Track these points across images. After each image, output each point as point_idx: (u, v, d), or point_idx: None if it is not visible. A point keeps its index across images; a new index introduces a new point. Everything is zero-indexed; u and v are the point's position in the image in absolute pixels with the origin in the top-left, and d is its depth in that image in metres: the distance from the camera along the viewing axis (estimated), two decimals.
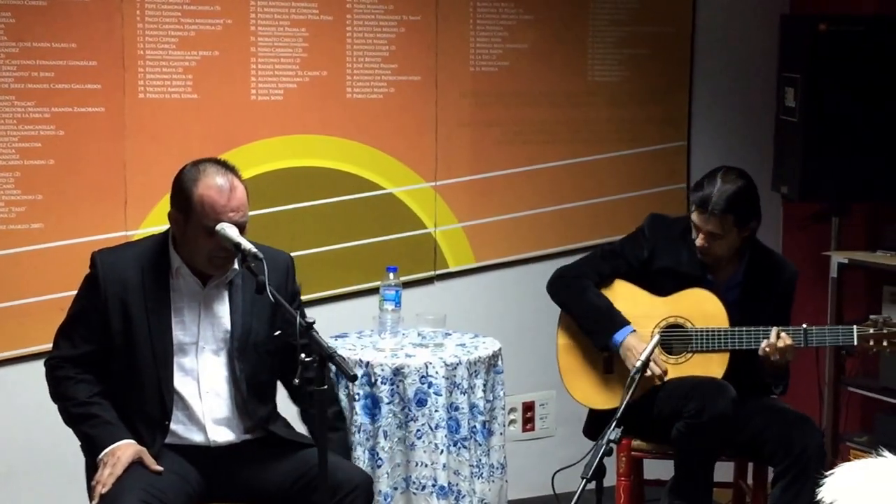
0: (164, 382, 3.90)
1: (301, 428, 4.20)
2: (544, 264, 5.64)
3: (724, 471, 4.91)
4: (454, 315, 5.29)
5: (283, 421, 4.08)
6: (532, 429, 5.99)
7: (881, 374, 5.50)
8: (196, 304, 3.95)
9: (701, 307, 4.67)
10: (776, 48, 5.89)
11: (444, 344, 4.95)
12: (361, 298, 5.51)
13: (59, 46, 4.92)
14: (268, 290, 3.61)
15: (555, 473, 4.11)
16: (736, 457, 4.81)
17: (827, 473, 2.31)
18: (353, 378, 3.74)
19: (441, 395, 4.68)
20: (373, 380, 4.68)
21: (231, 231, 3.76)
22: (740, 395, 4.52)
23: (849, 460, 2.38)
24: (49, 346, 4.03)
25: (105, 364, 3.92)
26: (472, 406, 4.79)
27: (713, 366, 4.62)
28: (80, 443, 3.95)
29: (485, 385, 4.83)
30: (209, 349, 3.96)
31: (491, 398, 4.88)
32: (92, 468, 3.85)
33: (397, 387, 4.69)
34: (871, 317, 4.61)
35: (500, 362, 4.94)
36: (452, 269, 5.74)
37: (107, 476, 3.75)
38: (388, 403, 4.67)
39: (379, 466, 4.65)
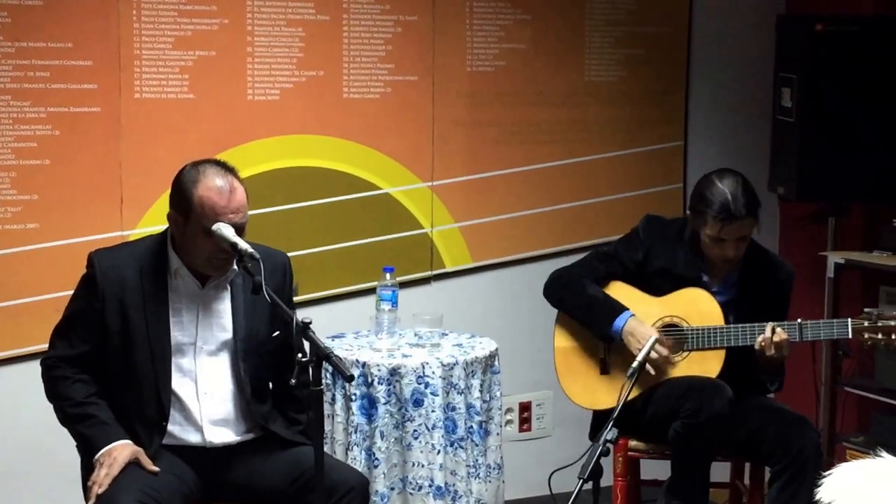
0: (161, 383, 3.89)
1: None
2: (541, 264, 5.65)
3: (720, 471, 4.91)
4: (451, 315, 5.29)
5: (282, 420, 4.07)
6: (529, 429, 5.99)
7: (878, 374, 5.50)
8: (194, 304, 3.94)
9: (696, 306, 4.67)
10: (773, 48, 5.89)
11: (441, 344, 4.95)
12: (358, 299, 5.51)
13: (55, 46, 4.91)
14: (264, 291, 3.60)
15: (552, 474, 4.12)
16: (733, 457, 4.81)
17: (825, 474, 2.31)
18: (350, 378, 3.74)
19: (438, 396, 4.68)
20: (369, 380, 4.68)
21: (227, 231, 3.75)
22: (737, 394, 4.52)
23: (845, 460, 2.37)
24: (45, 346, 4.02)
25: (102, 364, 3.91)
26: (469, 406, 4.79)
27: (709, 364, 4.62)
28: (75, 443, 3.94)
29: (481, 385, 4.83)
30: (207, 350, 3.95)
31: (488, 398, 4.88)
32: (88, 468, 3.84)
33: (394, 387, 4.69)
34: (866, 310, 4.61)
35: (496, 362, 4.94)
36: (449, 269, 5.73)
37: (103, 476, 3.74)
38: (385, 404, 4.67)
39: (375, 467, 4.65)
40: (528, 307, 5.66)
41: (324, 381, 4.16)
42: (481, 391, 4.83)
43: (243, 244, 3.73)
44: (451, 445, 4.73)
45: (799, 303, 4.97)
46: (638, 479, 4.95)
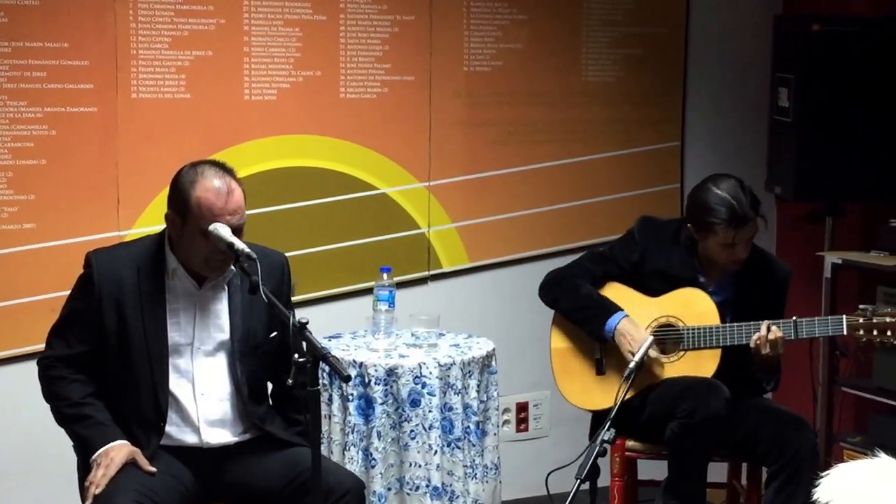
0: (158, 384, 3.89)
1: None
2: (538, 264, 5.64)
3: (718, 471, 4.91)
4: (448, 315, 5.29)
5: (280, 420, 4.07)
6: (526, 429, 5.99)
7: (875, 374, 5.50)
8: (192, 305, 3.94)
9: (692, 306, 4.67)
10: (770, 49, 5.89)
11: (438, 344, 4.95)
12: (355, 299, 5.50)
13: (51, 46, 4.91)
14: (261, 291, 3.60)
15: (549, 474, 4.11)
16: (730, 457, 4.81)
17: (822, 474, 2.30)
18: (347, 379, 3.74)
19: (435, 396, 4.68)
20: (366, 380, 4.68)
21: (224, 231, 3.75)
22: (733, 394, 4.51)
23: (843, 461, 2.37)
24: (42, 346, 4.02)
25: (98, 364, 3.91)
26: (466, 406, 4.78)
27: (705, 363, 4.61)
28: (72, 443, 3.94)
29: (479, 385, 4.83)
30: (204, 350, 3.95)
31: (485, 398, 4.88)
32: (85, 469, 3.84)
33: (391, 387, 4.68)
34: (861, 307, 4.61)
35: (493, 363, 4.94)
36: (446, 269, 5.73)
37: (100, 477, 3.74)
38: (382, 404, 4.67)
39: (373, 467, 4.65)
40: (525, 307, 5.65)
41: (321, 381, 4.17)
42: (478, 391, 4.83)
43: (240, 244, 3.72)
44: (448, 446, 4.73)
45: (796, 303, 4.97)
46: (635, 479, 4.95)
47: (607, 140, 5.97)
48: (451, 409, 4.74)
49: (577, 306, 4.77)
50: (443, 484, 4.70)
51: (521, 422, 5.98)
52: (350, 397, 4.69)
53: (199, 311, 3.94)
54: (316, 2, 5.33)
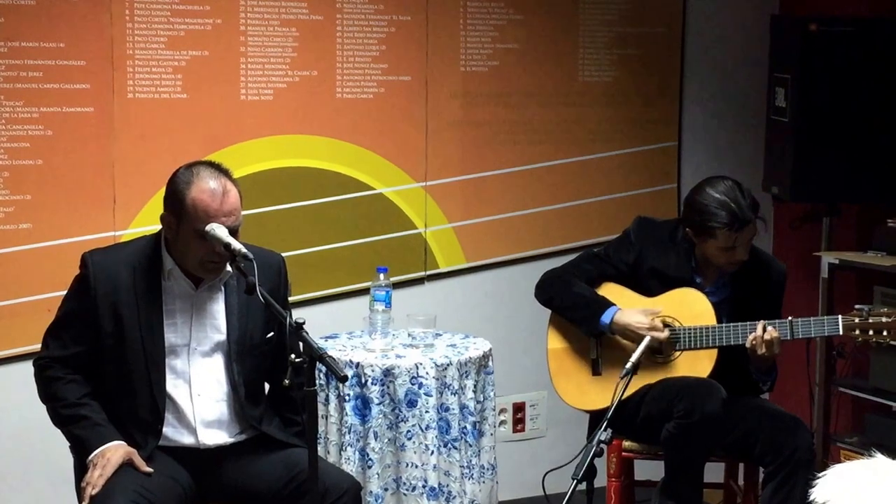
0: (155, 385, 3.88)
1: None
2: (535, 265, 5.64)
3: (714, 471, 4.91)
4: (444, 315, 5.29)
5: (277, 421, 4.06)
6: (522, 430, 5.99)
7: (871, 375, 5.49)
8: (188, 306, 3.93)
9: (689, 306, 4.66)
10: (767, 48, 5.89)
11: (435, 344, 4.94)
12: (352, 299, 5.50)
13: (47, 46, 4.90)
14: (258, 291, 3.60)
15: (545, 474, 4.11)
16: (726, 457, 4.80)
17: (820, 474, 2.30)
18: (344, 379, 3.73)
19: (431, 396, 4.68)
20: (363, 380, 4.68)
21: (220, 231, 3.74)
22: (730, 395, 4.51)
23: (839, 461, 2.37)
24: (38, 346, 4.01)
25: (95, 365, 3.90)
26: (463, 407, 4.78)
27: (701, 364, 4.61)
28: (69, 444, 3.93)
29: (475, 386, 4.83)
30: (201, 351, 3.94)
31: (481, 399, 4.88)
32: (81, 469, 3.83)
33: (387, 387, 4.68)
34: (857, 307, 4.61)
35: (490, 363, 4.94)
36: (443, 269, 5.73)
37: (97, 477, 3.73)
38: (379, 404, 4.67)
39: (369, 467, 4.65)
40: (521, 308, 5.65)
41: (317, 381, 4.16)
42: (475, 392, 4.83)
43: (237, 244, 3.72)
44: (445, 446, 4.73)
45: (793, 303, 4.96)
46: (632, 479, 4.95)
47: (604, 140, 5.97)
48: (447, 409, 4.73)
49: (570, 304, 4.77)
50: (439, 484, 4.70)
51: (518, 422, 5.98)
52: (347, 397, 4.69)
53: (195, 311, 3.94)
54: (312, 2, 5.33)
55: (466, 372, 4.80)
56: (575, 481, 3.68)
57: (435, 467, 4.68)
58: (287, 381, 3.46)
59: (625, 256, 4.78)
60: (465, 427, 4.78)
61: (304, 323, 3.54)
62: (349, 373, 4.67)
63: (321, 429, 4.68)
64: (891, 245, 5.45)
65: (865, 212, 5.85)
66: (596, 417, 4.71)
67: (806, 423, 4.75)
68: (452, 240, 5.72)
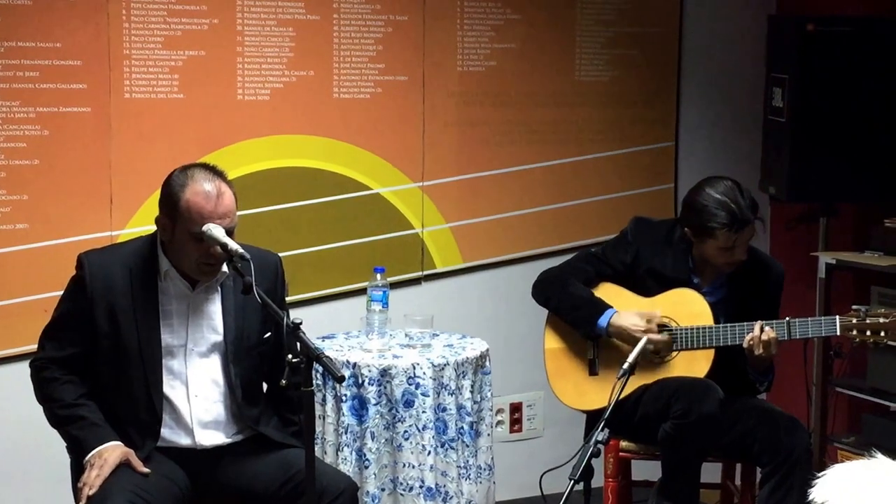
0: (152, 387, 3.88)
1: None
2: (532, 265, 5.64)
3: (711, 471, 4.91)
4: (441, 316, 5.29)
5: (274, 421, 4.06)
6: (520, 430, 5.99)
7: (869, 375, 5.49)
8: (185, 306, 3.93)
9: (686, 307, 4.66)
10: (764, 49, 5.89)
11: (432, 345, 4.94)
12: (349, 299, 5.50)
13: (44, 46, 4.89)
14: (255, 291, 3.59)
15: (542, 474, 4.11)
16: (724, 458, 4.80)
17: (819, 474, 2.30)
18: (341, 379, 3.72)
19: (428, 396, 4.67)
20: (360, 381, 4.67)
21: (217, 231, 3.74)
22: (727, 395, 4.51)
23: (837, 461, 2.37)
24: (34, 346, 4.01)
25: (91, 366, 3.90)
26: (460, 407, 4.78)
27: (698, 364, 4.61)
28: (66, 444, 3.93)
29: (472, 386, 4.82)
30: (198, 352, 3.94)
31: (478, 399, 4.87)
32: (78, 470, 3.83)
33: (384, 388, 4.68)
34: (854, 307, 4.61)
35: (487, 363, 4.93)
36: (440, 269, 5.72)
37: (94, 478, 3.73)
38: (376, 404, 4.66)
39: (366, 467, 4.64)
40: (519, 308, 5.65)
41: (314, 381, 4.16)
42: (472, 392, 4.82)
43: (233, 244, 3.72)
44: (442, 446, 4.72)
45: (790, 303, 4.96)
46: (629, 479, 4.94)
47: (601, 140, 5.97)
48: (444, 409, 4.73)
49: (567, 305, 4.77)
50: (436, 485, 4.70)
51: (515, 422, 5.98)
52: (344, 398, 4.68)
53: (192, 312, 3.94)
54: (309, 2, 5.33)
55: (463, 372, 4.79)
56: (572, 481, 3.68)
57: (432, 467, 4.67)
58: (284, 382, 3.46)
59: (622, 256, 4.78)
60: (462, 427, 4.78)
61: (301, 323, 3.54)
62: (346, 373, 4.67)
63: (318, 429, 4.68)
64: (888, 245, 5.45)
65: (863, 212, 5.86)
66: (593, 418, 4.71)
67: (803, 423, 4.75)
68: (449, 240, 5.71)
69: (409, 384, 4.67)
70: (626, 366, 4.09)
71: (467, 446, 4.80)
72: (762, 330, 4.50)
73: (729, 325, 4.58)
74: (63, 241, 4.95)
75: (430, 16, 5.56)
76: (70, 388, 3.88)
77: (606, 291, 4.77)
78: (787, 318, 4.55)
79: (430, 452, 4.67)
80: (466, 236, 5.75)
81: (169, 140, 5.09)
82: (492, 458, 4.94)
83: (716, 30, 6.18)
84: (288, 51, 5.30)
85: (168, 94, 5.11)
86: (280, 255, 4.18)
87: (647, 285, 4.74)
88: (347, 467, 4.62)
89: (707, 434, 4.48)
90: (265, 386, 4.13)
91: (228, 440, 3.96)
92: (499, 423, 5.85)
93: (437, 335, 5.11)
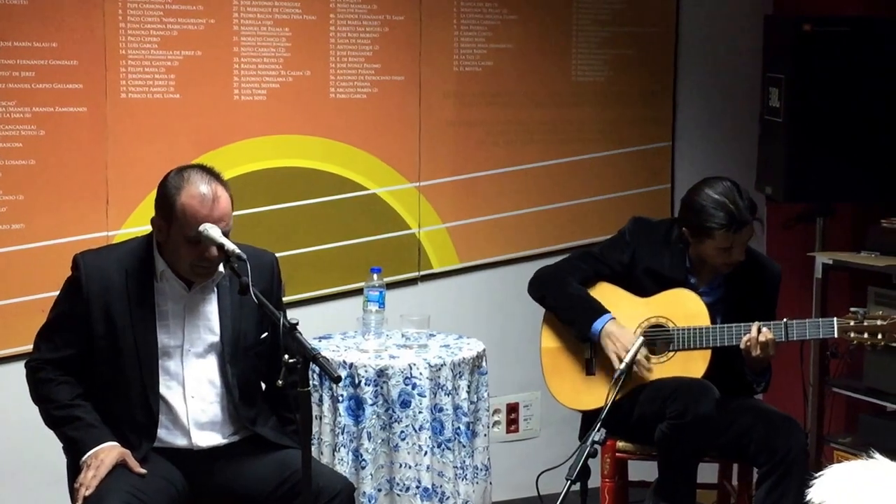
0: (149, 388, 3.87)
1: None
2: (528, 265, 5.62)
3: (708, 472, 4.91)
4: (438, 316, 5.28)
5: (272, 422, 4.05)
6: (516, 430, 5.98)
7: (865, 375, 5.49)
8: (181, 307, 3.92)
9: (683, 307, 4.66)
10: (760, 49, 5.89)
11: (428, 345, 4.94)
12: (345, 299, 5.49)
13: (40, 46, 4.89)
14: (251, 292, 3.59)
15: (539, 475, 4.10)
16: (720, 458, 4.80)
17: (816, 474, 2.30)
18: (338, 379, 3.73)
19: (425, 397, 4.67)
20: (356, 381, 4.67)
21: (213, 231, 3.73)
22: (724, 395, 4.51)
23: (833, 461, 2.37)
24: (30, 347, 4.00)
25: (87, 368, 3.89)
26: (457, 407, 4.78)
27: (695, 365, 4.61)
28: (62, 445, 3.92)
29: (469, 386, 4.82)
30: (194, 353, 3.93)
31: (475, 399, 4.87)
32: (74, 470, 3.82)
33: (381, 388, 4.67)
34: (852, 309, 4.60)
35: (484, 363, 4.93)
36: (436, 269, 5.72)
37: (90, 478, 3.72)
38: (372, 405, 4.66)
39: (363, 468, 4.64)
40: (515, 308, 5.65)
41: (311, 382, 4.16)
42: (469, 392, 4.82)
43: (230, 244, 3.71)
44: (439, 446, 4.72)
45: (787, 303, 4.96)
46: (626, 480, 4.95)
47: (597, 140, 5.97)
48: (441, 409, 4.73)
49: (564, 305, 4.77)
50: (433, 485, 4.69)
51: (512, 423, 5.98)
52: (340, 398, 4.68)
53: (188, 313, 3.93)
54: (305, 2, 5.32)
55: (460, 372, 4.79)
56: (569, 482, 3.68)
57: (428, 468, 4.67)
58: (281, 382, 3.46)
59: (619, 256, 4.77)
60: (459, 428, 4.78)
61: (297, 323, 3.54)
62: (342, 373, 4.66)
63: (314, 429, 4.68)
64: (885, 245, 5.45)
65: (859, 212, 5.86)
66: (589, 417, 4.71)
67: (800, 423, 4.75)
68: (446, 240, 5.71)
69: (406, 384, 4.67)
70: (622, 366, 4.10)
71: (464, 446, 4.79)
72: (759, 331, 4.50)
73: (726, 325, 4.57)
74: (59, 242, 4.95)
75: (427, 16, 5.56)
76: (66, 388, 3.87)
77: (604, 291, 4.76)
78: (785, 320, 4.55)
79: (426, 453, 4.67)
80: (463, 236, 5.75)
81: (165, 140, 5.09)
82: (488, 459, 4.94)
83: (712, 30, 6.18)
84: (284, 51, 5.30)
85: (164, 94, 5.11)
86: (276, 255, 4.18)
87: (644, 285, 4.73)
88: (344, 468, 4.61)
89: (703, 434, 4.47)
90: (263, 386, 4.13)
91: (225, 441, 3.96)
92: (495, 423, 5.85)
93: (434, 335, 5.11)
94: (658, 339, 4.66)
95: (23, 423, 4.56)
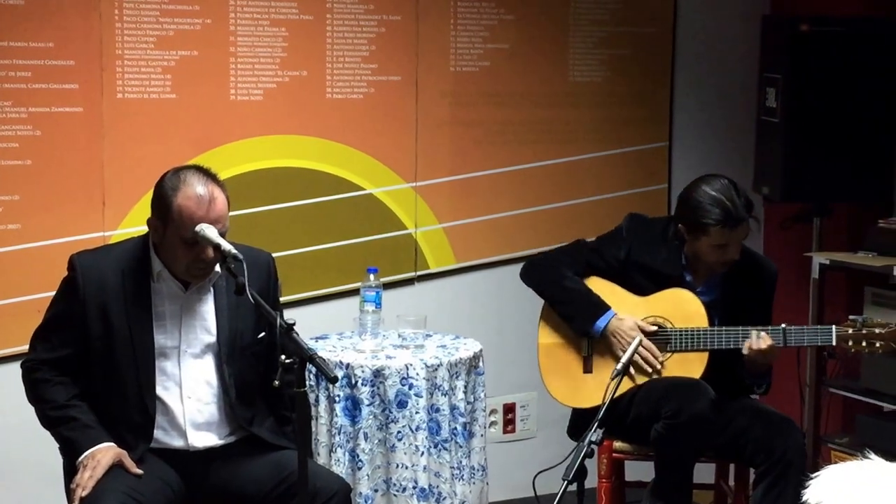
0: (145, 388, 3.87)
1: None
2: None
3: (705, 472, 4.91)
4: (435, 316, 5.28)
5: (269, 422, 4.04)
6: (513, 430, 5.98)
7: (862, 375, 5.49)
8: (178, 307, 3.91)
9: (681, 307, 4.65)
10: (757, 48, 5.89)
11: (425, 345, 4.93)
12: (342, 300, 5.49)
13: (36, 46, 4.88)
14: (247, 292, 3.58)
15: (536, 475, 4.10)
16: (717, 458, 4.80)
17: (813, 475, 2.30)
18: (334, 380, 3.72)
19: (422, 397, 4.67)
20: (353, 381, 4.67)
21: (210, 231, 3.73)
22: (721, 396, 4.51)
23: (830, 462, 2.36)
24: (26, 347, 3.99)
25: (83, 368, 3.89)
26: (453, 408, 4.77)
27: (692, 366, 4.60)
28: (58, 446, 3.92)
29: (465, 386, 4.82)
30: (191, 353, 3.92)
31: (472, 400, 4.87)
32: (71, 471, 3.82)
33: (378, 388, 4.67)
34: (851, 317, 4.60)
35: (480, 363, 4.93)
36: (433, 269, 5.72)
37: (87, 479, 3.72)
38: (369, 405, 4.66)
39: (359, 468, 4.64)
40: (512, 308, 5.65)
41: (308, 382, 4.15)
42: (465, 392, 4.82)
43: (226, 245, 3.71)
44: (435, 447, 4.72)
45: (783, 303, 4.96)
46: (622, 480, 4.95)
47: (594, 140, 5.97)
48: (437, 410, 4.72)
49: (563, 298, 4.75)
50: (430, 485, 4.69)
51: (509, 423, 5.97)
52: (337, 398, 4.67)
53: (185, 313, 3.92)
54: (302, 2, 5.32)
55: (457, 373, 4.79)
56: (565, 482, 3.68)
57: (425, 468, 4.67)
58: (277, 382, 3.45)
59: (615, 252, 4.77)
60: (456, 428, 4.78)
61: (294, 324, 3.53)
62: (339, 374, 4.66)
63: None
64: (882, 245, 5.45)
65: (856, 212, 5.85)
66: (579, 414, 4.71)
67: (797, 423, 4.75)
68: (443, 240, 5.71)
69: (403, 385, 4.67)
70: (619, 366, 4.09)
71: (460, 447, 4.79)
72: (759, 337, 4.50)
73: (724, 328, 4.57)
74: (55, 242, 4.94)
75: (424, 16, 5.55)
76: (62, 389, 3.87)
77: (602, 288, 4.74)
78: (783, 326, 4.55)
79: (423, 453, 4.66)
80: (460, 236, 5.74)
81: (161, 140, 5.08)
82: (485, 459, 4.93)
83: (709, 30, 6.18)
84: (281, 51, 5.29)
85: (160, 94, 5.10)
86: (273, 255, 4.17)
87: (639, 282, 4.73)
88: (340, 468, 4.61)
89: (698, 434, 4.47)
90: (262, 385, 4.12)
91: (221, 442, 3.95)
92: (492, 423, 5.85)
93: (431, 336, 5.11)
94: (656, 339, 4.65)
95: (19, 424, 4.56)
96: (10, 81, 4.86)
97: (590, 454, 3.72)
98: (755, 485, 4.56)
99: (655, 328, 4.64)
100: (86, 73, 4.96)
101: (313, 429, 4.70)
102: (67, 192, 4.98)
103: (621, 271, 4.76)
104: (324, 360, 3.56)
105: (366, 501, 4.64)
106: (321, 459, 4.65)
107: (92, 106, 4.99)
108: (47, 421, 3.90)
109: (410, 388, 4.67)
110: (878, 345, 4.50)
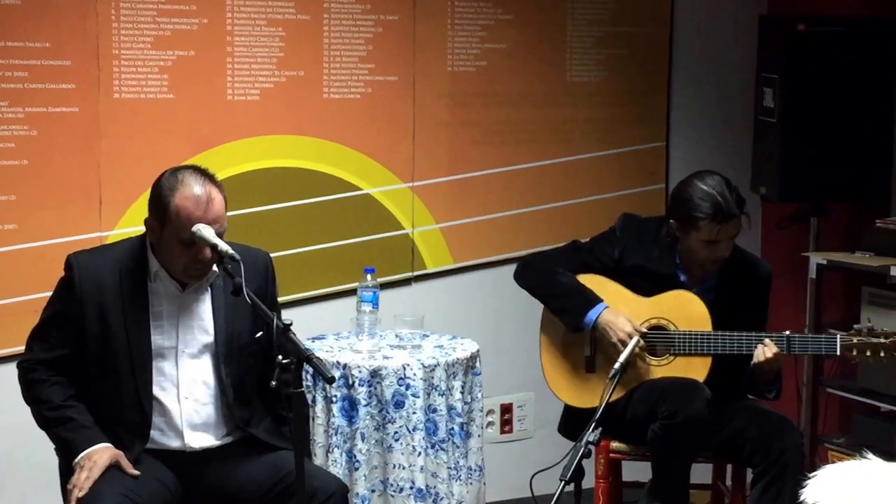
0: (142, 389, 3.86)
1: None
2: None
3: (702, 472, 4.90)
4: (432, 316, 5.28)
5: (266, 423, 4.04)
6: (510, 431, 5.98)
7: (859, 375, 5.49)
8: (175, 307, 3.91)
9: (685, 310, 4.64)
10: (755, 48, 5.89)
11: (422, 345, 4.93)
12: (339, 300, 5.48)
13: (32, 46, 4.88)
14: (244, 292, 3.58)
15: (533, 475, 4.10)
16: (715, 458, 4.79)
17: (810, 475, 2.30)
18: (331, 380, 3.72)
19: (419, 397, 4.67)
20: (350, 382, 4.67)
21: (207, 232, 3.73)
22: (722, 398, 4.50)
23: (827, 462, 2.36)
24: (23, 348, 3.99)
25: (80, 368, 3.88)
26: (450, 408, 4.77)
27: (695, 371, 4.59)
28: (54, 446, 3.91)
29: (463, 387, 4.82)
30: (189, 353, 3.92)
31: (469, 400, 4.87)
32: (67, 471, 3.81)
33: (375, 389, 4.67)
34: (855, 326, 4.59)
35: (478, 364, 4.93)
36: (430, 270, 5.71)
37: (83, 480, 3.71)
38: (366, 405, 4.66)
39: (356, 469, 4.64)
40: (509, 308, 5.65)
41: (304, 382, 4.15)
42: (462, 393, 4.82)
43: (223, 245, 3.71)
44: (433, 447, 4.72)
45: (781, 304, 4.96)
46: (620, 480, 4.94)
47: (592, 140, 5.96)
48: (435, 410, 4.72)
49: (555, 294, 4.74)
50: (427, 486, 4.69)
51: (506, 423, 5.97)
52: (334, 399, 4.67)
53: (182, 313, 3.92)
54: (299, 1, 5.31)
55: (454, 373, 4.79)
56: (563, 482, 3.68)
57: (422, 469, 4.67)
58: (274, 382, 3.45)
59: (609, 252, 4.76)
60: (453, 428, 4.78)
61: (291, 324, 3.53)
62: (336, 374, 4.66)
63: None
64: (879, 245, 5.45)
65: (854, 212, 5.86)
66: (572, 411, 4.71)
67: (794, 423, 4.75)
68: (440, 240, 5.70)
69: (400, 385, 4.67)
70: (617, 365, 4.09)
71: (458, 447, 4.79)
72: (765, 346, 4.50)
73: (728, 333, 4.55)
74: (52, 242, 4.93)
75: (421, 16, 5.55)
76: (58, 389, 3.86)
77: (605, 288, 4.71)
78: (787, 333, 4.54)
79: (420, 453, 4.66)
80: (456, 237, 5.74)
81: (158, 140, 5.08)
82: (482, 459, 4.93)
83: (707, 29, 6.18)
84: (278, 51, 5.29)
85: (157, 94, 5.10)
86: (270, 255, 4.17)
87: (634, 281, 4.72)
88: (337, 469, 4.61)
89: (695, 434, 4.47)
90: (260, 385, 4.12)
91: (218, 442, 3.95)
92: (489, 423, 5.84)
93: (428, 336, 5.11)
94: (658, 341, 4.64)
95: (15, 425, 4.54)
96: (7, 81, 4.85)
97: (587, 454, 3.72)
98: (753, 485, 4.56)
99: (646, 329, 4.63)
100: (83, 72, 4.96)
101: (310, 429, 4.70)
102: (64, 192, 4.97)
103: (615, 271, 4.75)
104: (321, 360, 3.55)
105: (363, 502, 4.63)
106: (318, 460, 4.65)
107: (89, 106, 4.98)
108: (43, 421, 3.90)
109: (407, 389, 4.67)
110: (881, 354, 4.50)
